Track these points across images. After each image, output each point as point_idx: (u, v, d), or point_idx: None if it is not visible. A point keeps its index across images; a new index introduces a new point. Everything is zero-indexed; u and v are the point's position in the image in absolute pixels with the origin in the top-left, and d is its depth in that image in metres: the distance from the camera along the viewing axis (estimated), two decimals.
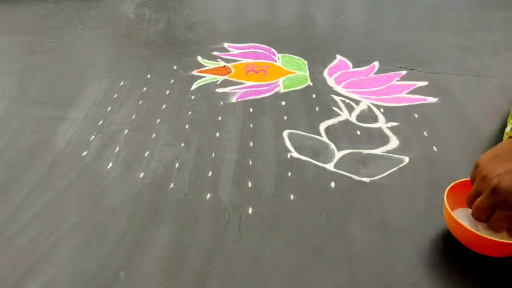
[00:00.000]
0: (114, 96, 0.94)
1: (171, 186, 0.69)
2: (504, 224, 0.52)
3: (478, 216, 0.53)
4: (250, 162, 0.74)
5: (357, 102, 0.90)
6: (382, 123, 0.83)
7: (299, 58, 1.09)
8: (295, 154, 0.75)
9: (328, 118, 0.85)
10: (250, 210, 0.64)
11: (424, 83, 0.96)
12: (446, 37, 1.20)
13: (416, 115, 0.85)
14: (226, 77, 1.01)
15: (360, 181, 0.69)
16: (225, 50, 1.15)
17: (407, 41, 1.18)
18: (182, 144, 0.79)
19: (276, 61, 1.08)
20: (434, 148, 0.76)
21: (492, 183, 0.51)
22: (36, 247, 0.59)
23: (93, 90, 0.97)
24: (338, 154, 0.75)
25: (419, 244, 0.58)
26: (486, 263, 0.55)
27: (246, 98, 0.92)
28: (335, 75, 1.01)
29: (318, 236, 0.60)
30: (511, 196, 0.50)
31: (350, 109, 0.88)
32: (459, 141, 0.78)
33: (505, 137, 0.75)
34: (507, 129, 0.75)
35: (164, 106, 0.90)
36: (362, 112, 0.87)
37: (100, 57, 1.13)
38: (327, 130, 0.82)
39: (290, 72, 1.03)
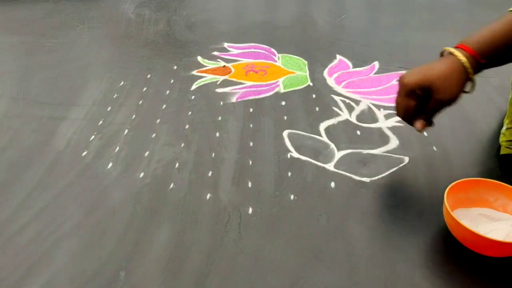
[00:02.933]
0: (114, 96, 0.94)
1: (171, 186, 0.69)
2: (403, 108, 0.63)
3: (397, 112, 0.65)
4: (250, 162, 0.74)
5: (357, 102, 0.90)
6: (382, 123, 0.83)
7: (299, 58, 1.09)
8: (295, 154, 0.75)
9: (328, 118, 0.85)
10: (250, 210, 0.64)
11: None
12: (446, 37, 1.20)
13: None
14: (226, 77, 1.01)
15: (360, 181, 0.69)
16: (225, 50, 1.15)
17: (407, 41, 1.18)
18: (182, 144, 0.79)
19: (276, 61, 1.08)
20: (434, 148, 0.76)
21: (399, 79, 0.64)
22: (36, 247, 0.59)
23: (93, 90, 0.97)
24: (338, 154, 0.75)
25: (419, 244, 0.58)
26: (486, 263, 0.55)
27: (246, 98, 0.92)
28: (335, 75, 1.01)
29: (318, 236, 0.60)
30: (403, 77, 0.64)
31: (350, 109, 0.88)
32: (459, 141, 0.78)
33: (501, 136, 0.75)
34: (503, 129, 0.76)
35: (164, 106, 0.90)
36: (362, 112, 0.87)
37: (100, 57, 1.13)
38: (327, 130, 0.82)
39: (290, 72, 1.03)
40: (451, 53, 0.63)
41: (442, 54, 0.66)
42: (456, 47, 0.63)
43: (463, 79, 0.61)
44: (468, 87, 0.63)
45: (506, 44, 0.62)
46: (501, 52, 0.62)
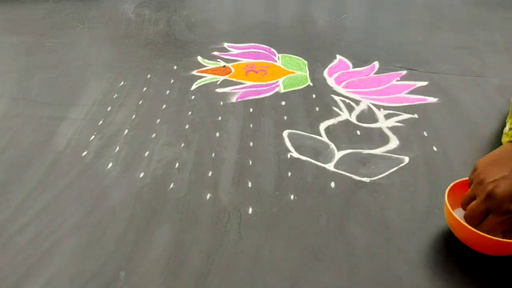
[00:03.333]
0: (114, 96, 0.94)
1: (171, 186, 0.69)
2: (497, 230, 0.53)
3: (471, 220, 0.54)
4: (250, 162, 0.74)
5: (357, 102, 0.90)
6: (382, 123, 0.83)
7: (299, 58, 1.09)
8: (295, 154, 0.75)
9: (328, 118, 0.85)
10: (250, 210, 0.64)
11: (424, 83, 0.96)
12: (446, 37, 1.20)
13: (416, 115, 0.85)
14: (226, 77, 1.01)
15: (360, 181, 0.69)
16: (225, 50, 1.15)
17: (407, 41, 1.18)
18: (182, 144, 0.79)
19: (276, 61, 1.08)
20: (434, 148, 0.76)
21: (487, 188, 0.51)
22: (36, 247, 0.59)
23: (93, 90, 0.97)
24: (338, 154, 0.75)
25: (419, 244, 0.58)
26: (487, 262, 0.55)
27: (246, 98, 0.92)
28: (335, 75, 1.01)
29: (318, 236, 0.60)
30: (505, 203, 0.50)
31: (350, 109, 0.88)
32: (459, 141, 0.78)
33: (504, 136, 0.75)
34: (506, 129, 0.75)
35: (164, 106, 0.90)
36: (362, 112, 0.87)
37: (100, 57, 1.13)
38: (327, 130, 0.82)
39: (290, 72, 1.03)
40: None
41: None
42: None
43: None
44: None
45: None
46: None
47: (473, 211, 0.53)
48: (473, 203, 0.53)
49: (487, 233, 0.52)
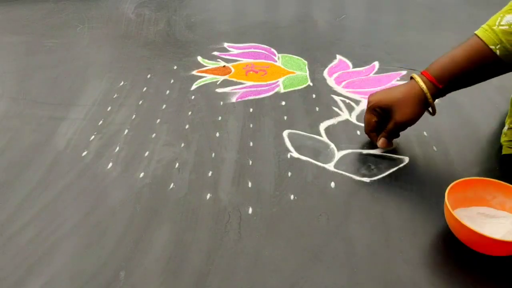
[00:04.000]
0: (114, 96, 0.94)
1: (171, 186, 0.69)
2: (367, 123, 0.74)
3: (365, 129, 0.75)
4: (250, 162, 0.74)
5: (357, 102, 0.90)
6: None
7: (299, 58, 1.09)
8: (295, 154, 0.75)
9: (328, 118, 0.85)
10: (250, 210, 0.64)
11: None
12: (446, 37, 1.20)
13: None
14: (226, 77, 1.01)
15: (360, 181, 0.69)
16: (225, 50, 1.15)
17: (407, 41, 1.18)
18: (182, 144, 0.78)
19: (276, 61, 1.08)
20: (434, 148, 0.76)
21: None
22: (36, 247, 0.59)
23: (93, 90, 0.97)
24: (338, 154, 0.75)
25: (419, 244, 0.58)
26: (487, 263, 0.55)
27: (246, 98, 0.92)
28: (335, 75, 1.01)
29: (318, 236, 0.60)
30: (369, 97, 0.72)
31: (350, 109, 0.88)
32: (459, 141, 0.78)
33: (503, 136, 0.75)
34: (505, 128, 0.76)
35: (164, 106, 0.90)
36: (362, 112, 0.87)
37: (100, 57, 1.13)
38: (327, 130, 0.82)
39: (290, 72, 1.03)
40: (413, 78, 0.69)
41: (411, 79, 0.71)
42: (420, 73, 0.69)
43: (421, 103, 0.68)
44: (430, 110, 0.70)
45: (465, 70, 0.65)
46: (461, 78, 0.66)
47: (364, 119, 0.74)
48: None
49: (366, 131, 0.74)
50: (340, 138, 0.79)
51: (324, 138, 0.79)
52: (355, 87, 0.96)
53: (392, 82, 0.97)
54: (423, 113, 0.70)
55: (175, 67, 1.06)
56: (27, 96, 0.95)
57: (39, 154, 0.77)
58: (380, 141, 0.74)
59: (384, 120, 0.72)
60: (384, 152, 0.75)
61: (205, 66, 1.06)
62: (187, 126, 0.84)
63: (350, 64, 1.06)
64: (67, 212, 0.64)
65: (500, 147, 0.75)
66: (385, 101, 0.70)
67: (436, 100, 0.89)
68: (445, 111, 0.86)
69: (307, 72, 1.03)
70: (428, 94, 0.67)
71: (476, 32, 0.66)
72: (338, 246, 0.58)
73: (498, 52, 0.62)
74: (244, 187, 0.68)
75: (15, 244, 0.59)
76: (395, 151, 0.75)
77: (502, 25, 0.62)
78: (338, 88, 0.96)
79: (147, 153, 0.76)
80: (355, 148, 0.76)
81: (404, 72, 1.01)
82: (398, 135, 0.75)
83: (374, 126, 0.73)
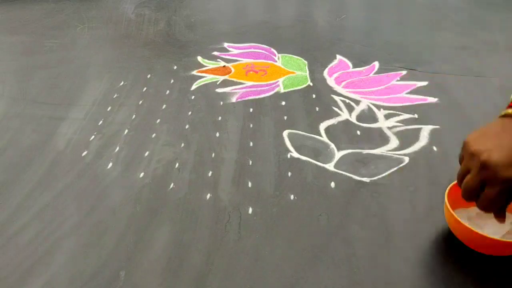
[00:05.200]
0: (114, 96, 0.94)
1: (171, 186, 0.69)
2: (495, 202, 0.49)
3: (468, 195, 0.50)
4: (250, 162, 0.74)
5: (357, 102, 0.90)
6: (382, 123, 0.83)
7: (299, 58, 1.09)
8: (295, 154, 0.75)
9: (328, 118, 0.85)
10: (250, 210, 0.64)
11: (424, 83, 0.96)
12: (446, 37, 1.20)
13: (416, 115, 0.85)
14: (226, 77, 1.01)
15: (360, 181, 0.69)
16: (225, 50, 1.15)
17: (407, 41, 1.18)
18: (182, 144, 0.78)
19: (276, 61, 1.08)
20: (434, 148, 0.76)
21: (481, 158, 0.48)
22: (36, 247, 0.59)
23: (93, 90, 0.97)
24: (338, 154, 0.75)
25: (419, 244, 0.58)
26: (486, 263, 0.55)
27: (246, 98, 0.92)
28: (335, 75, 1.01)
29: (318, 236, 0.60)
30: (501, 171, 0.47)
31: (350, 109, 0.88)
32: (459, 141, 0.77)
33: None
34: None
35: (164, 106, 0.90)
36: (362, 112, 0.87)
37: (100, 57, 1.13)
38: (327, 130, 0.82)
39: (290, 72, 1.03)
40: None
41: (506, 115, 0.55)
42: None
43: None
44: None
45: None
46: None
47: (469, 185, 0.49)
48: (468, 176, 0.49)
49: (485, 209, 0.49)
50: (340, 138, 0.79)
51: (324, 138, 0.79)
52: (355, 87, 0.96)
53: (392, 82, 0.97)
54: None
55: (175, 67, 1.06)
56: (27, 96, 0.95)
57: (39, 154, 0.77)
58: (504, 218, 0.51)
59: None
60: (384, 152, 0.75)
61: (205, 66, 1.06)
62: (187, 126, 0.84)
63: (350, 64, 1.06)
64: (67, 212, 0.64)
65: None
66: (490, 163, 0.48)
67: (436, 99, 0.90)
68: (445, 111, 0.86)
69: (307, 72, 1.03)
70: None
71: None
72: (338, 246, 0.58)
73: None
74: (244, 187, 0.68)
75: (15, 244, 0.59)
76: (395, 151, 0.75)
77: None
78: (338, 88, 0.96)
79: (147, 153, 0.76)
80: (355, 148, 0.76)
81: (404, 72, 1.01)
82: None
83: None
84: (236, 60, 1.09)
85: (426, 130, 0.80)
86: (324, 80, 0.99)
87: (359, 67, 1.04)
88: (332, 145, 0.77)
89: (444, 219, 0.58)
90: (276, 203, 0.65)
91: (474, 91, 0.93)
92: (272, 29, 1.28)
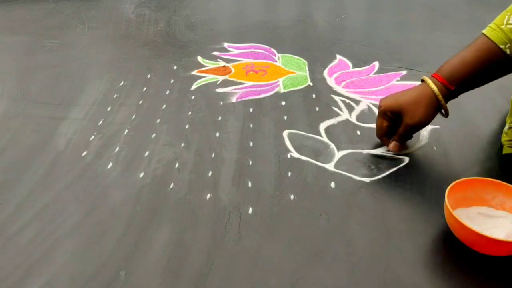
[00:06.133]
0: (114, 96, 0.94)
1: (171, 186, 0.69)
2: (378, 128, 0.73)
3: (377, 133, 0.75)
4: (250, 162, 0.74)
5: (357, 102, 0.90)
6: None
7: (299, 58, 1.09)
8: (295, 154, 0.75)
9: (328, 118, 0.85)
10: (250, 210, 0.64)
11: None
12: (446, 37, 1.20)
13: None
14: (226, 77, 1.01)
15: (360, 181, 0.69)
16: (225, 50, 1.15)
17: (407, 41, 1.18)
18: (182, 144, 0.79)
19: (276, 61, 1.08)
20: (434, 148, 0.76)
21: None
22: (36, 247, 0.59)
23: (93, 90, 0.97)
24: (338, 154, 0.75)
25: (419, 244, 0.58)
26: (486, 263, 0.55)
27: (246, 98, 0.92)
28: (335, 75, 1.01)
29: (318, 236, 0.60)
30: (380, 101, 0.72)
31: (350, 109, 0.88)
32: (459, 141, 0.78)
33: (503, 136, 0.75)
34: (505, 128, 0.76)
35: (164, 106, 0.90)
36: (362, 112, 0.87)
37: (100, 57, 1.13)
38: (327, 130, 0.82)
39: (290, 72, 1.03)
40: (424, 81, 0.69)
41: (422, 81, 0.70)
42: (431, 76, 0.68)
43: (433, 105, 0.67)
44: (443, 112, 0.70)
45: (476, 70, 0.65)
46: (472, 78, 0.66)
47: (375, 123, 0.74)
48: None
49: (377, 135, 0.74)
50: (340, 138, 0.79)
51: (324, 138, 0.79)
52: (355, 87, 0.96)
53: (392, 82, 0.97)
54: (435, 116, 0.69)
55: (175, 67, 1.06)
56: (27, 96, 0.95)
57: (39, 154, 0.77)
58: (391, 145, 0.73)
59: (395, 124, 0.72)
60: (384, 152, 0.75)
61: (205, 66, 1.06)
62: (187, 126, 0.84)
63: (350, 64, 1.06)
64: (67, 212, 0.64)
65: (501, 146, 0.75)
66: (395, 105, 0.69)
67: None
68: None
69: (307, 72, 1.03)
70: (440, 96, 0.67)
71: (484, 31, 0.66)
72: (338, 246, 0.58)
73: (508, 51, 0.62)
74: (244, 187, 0.68)
75: (15, 244, 0.59)
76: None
77: (510, 24, 0.63)
78: (338, 88, 0.96)
79: (147, 153, 0.76)
80: (355, 148, 0.76)
81: (404, 72, 1.01)
82: (410, 137, 0.74)
83: (385, 131, 0.73)
84: (236, 60, 1.09)
85: (426, 130, 0.80)
86: (324, 80, 0.99)
87: (359, 67, 1.04)
88: (332, 145, 0.77)
89: (444, 219, 0.59)
90: (276, 203, 0.65)
91: (474, 91, 0.92)
92: (272, 29, 1.28)
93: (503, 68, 0.65)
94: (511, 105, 0.76)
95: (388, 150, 0.74)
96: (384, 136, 0.74)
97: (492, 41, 0.63)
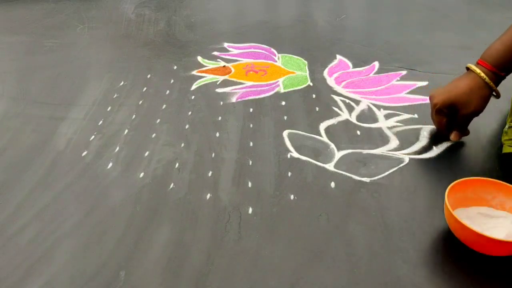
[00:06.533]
0: (114, 96, 0.94)
1: (171, 186, 0.69)
2: (436, 122, 0.76)
3: (437, 130, 0.78)
4: (250, 162, 0.74)
5: (357, 102, 0.90)
6: (382, 123, 0.83)
7: (299, 58, 1.09)
8: (295, 154, 0.75)
9: (328, 118, 0.85)
10: (250, 210, 0.64)
11: (424, 83, 0.96)
12: (446, 37, 1.20)
13: (416, 115, 0.85)
14: (226, 77, 1.01)
15: (360, 181, 0.69)
16: (225, 50, 1.15)
17: (407, 41, 1.18)
18: (182, 144, 0.79)
19: (276, 61, 1.08)
20: (434, 148, 0.76)
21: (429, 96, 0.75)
22: (36, 247, 0.59)
23: (93, 90, 0.97)
24: (338, 154, 0.75)
25: (419, 244, 0.58)
26: (486, 262, 0.55)
27: (246, 98, 0.92)
28: (335, 75, 1.01)
29: (318, 236, 0.60)
30: (432, 98, 0.73)
31: (350, 109, 0.88)
32: (459, 141, 0.78)
33: (503, 135, 0.75)
34: (506, 127, 0.76)
35: (164, 106, 0.90)
36: (362, 112, 0.87)
37: (100, 57, 1.13)
38: (327, 130, 0.82)
39: (290, 72, 1.03)
40: (472, 70, 0.71)
41: (467, 69, 0.73)
42: (477, 63, 0.71)
43: (486, 93, 0.70)
44: (494, 93, 0.71)
45: None
46: None
47: (433, 120, 0.77)
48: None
49: (439, 127, 0.76)
50: (340, 138, 0.79)
51: (324, 138, 0.79)
52: (355, 87, 0.96)
53: (392, 82, 0.97)
54: (488, 101, 0.71)
55: (175, 67, 1.06)
56: (27, 96, 0.95)
57: (39, 154, 0.77)
58: (453, 135, 0.75)
59: (452, 116, 0.74)
60: (384, 152, 0.75)
61: (205, 66, 1.06)
62: (187, 126, 0.84)
63: (350, 64, 1.06)
64: (67, 212, 0.64)
65: (501, 146, 0.75)
66: (450, 100, 0.71)
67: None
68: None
69: (307, 72, 1.03)
70: (491, 83, 0.69)
71: None
72: (338, 246, 0.58)
73: None
74: (244, 187, 0.68)
75: (15, 244, 0.59)
76: (395, 151, 0.75)
77: None
78: (338, 88, 0.96)
79: (147, 153, 0.76)
80: (355, 148, 0.76)
81: (404, 72, 1.01)
82: (468, 124, 0.75)
83: (446, 126, 0.75)
84: (236, 60, 1.09)
85: (426, 130, 0.80)
86: (324, 80, 0.99)
87: (359, 67, 1.04)
88: (332, 145, 0.77)
89: (444, 219, 0.59)
90: (276, 203, 0.65)
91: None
92: (272, 29, 1.28)
93: None
94: (511, 105, 0.76)
95: (455, 140, 0.76)
96: (445, 130, 0.76)
97: None
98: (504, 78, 0.70)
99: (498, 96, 0.72)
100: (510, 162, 0.71)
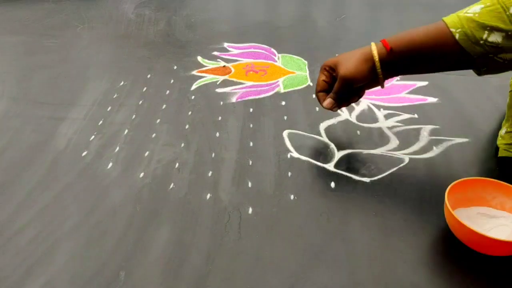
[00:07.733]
0: (114, 96, 0.94)
1: (171, 186, 0.69)
2: (318, 79, 0.73)
3: (315, 89, 0.73)
4: (250, 162, 0.74)
5: (357, 102, 0.90)
6: (382, 123, 0.83)
7: (299, 58, 1.09)
8: (295, 154, 0.75)
9: (328, 118, 0.85)
10: (250, 210, 0.64)
11: (424, 83, 0.96)
12: None
13: (416, 115, 0.85)
14: (226, 77, 1.01)
15: (360, 181, 0.69)
16: (225, 50, 1.15)
17: None
18: (182, 144, 0.79)
19: (276, 61, 1.08)
20: (434, 148, 0.76)
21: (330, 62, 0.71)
22: (36, 247, 0.59)
23: (93, 90, 0.97)
24: (338, 154, 0.75)
25: (419, 244, 0.58)
26: (486, 262, 0.55)
27: (246, 98, 0.92)
28: None
29: (318, 236, 0.60)
30: (340, 70, 0.68)
31: (350, 109, 0.88)
32: (459, 141, 0.78)
33: (499, 139, 0.75)
34: (502, 131, 0.75)
35: (164, 106, 0.90)
36: (362, 112, 0.87)
37: (100, 57, 1.13)
38: (327, 130, 0.82)
39: (290, 72, 1.03)
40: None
41: None
42: (380, 41, 0.68)
43: (367, 65, 0.66)
44: (379, 81, 0.68)
45: (419, 44, 0.64)
46: (414, 51, 0.64)
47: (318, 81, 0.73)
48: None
49: (318, 94, 0.73)
50: (340, 138, 0.79)
51: (324, 138, 0.79)
52: None
53: (392, 82, 0.97)
54: (369, 75, 0.67)
55: (175, 67, 1.06)
56: (27, 96, 0.95)
57: (39, 154, 0.77)
58: (326, 102, 0.71)
59: (335, 82, 0.70)
60: (384, 152, 0.75)
61: (205, 66, 1.06)
62: (187, 126, 0.84)
63: None
64: (67, 212, 0.64)
65: (496, 148, 0.74)
66: (333, 59, 0.70)
67: (436, 99, 0.90)
68: (445, 111, 0.86)
69: (307, 72, 1.03)
70: (375, 52, 0.66)
71: (444, 18, 0.67)
72: (338, 246, 0.58)
73: (457, 36, 0.61)
74: (244, 187, 0.68)
75: (15, 244, 0.59)
76: (395, 151, 0.75)
77: (468, 13, 0.63)
78: None
79: (147, 153, 0.76)
80: (355, 148, 0.76)
81: None
82: (347, 101, 0.73)
83: (322, 86, 0.72)
84: (236, 60, 1.09)
85: (426, 130, 0.80)
86: None
87: None
88: (332, 145, 0.77)
89: (444, 219, 0.59)
90: (276, 203, 0.65)
91: (474, 91, 0.93)
92: (272, 29, 1.28)
93: (450, 55, 0.63)
94: (507, 110, 0.75)
95: (326, 108, 0.72)
96: (320, 91, 0.73)
97: (445, 23, 0.63)
98: (395, 65, 0.66)
99: (381, 80, 0.68)
100: (506, 165, 0.71)
